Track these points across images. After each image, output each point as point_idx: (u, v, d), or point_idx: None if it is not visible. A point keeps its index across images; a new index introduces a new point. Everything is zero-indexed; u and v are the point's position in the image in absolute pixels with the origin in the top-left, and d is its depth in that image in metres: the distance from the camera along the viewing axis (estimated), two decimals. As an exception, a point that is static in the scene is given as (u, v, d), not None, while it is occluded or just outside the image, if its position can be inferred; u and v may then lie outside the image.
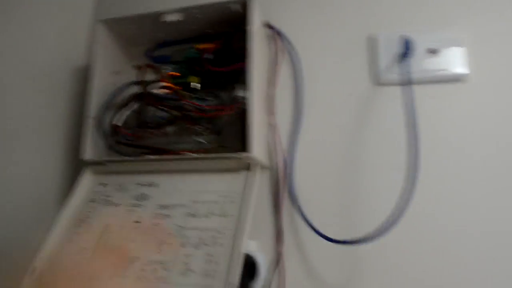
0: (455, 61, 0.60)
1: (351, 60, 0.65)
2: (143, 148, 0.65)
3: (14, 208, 0.65)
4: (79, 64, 0.78)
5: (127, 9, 0.82)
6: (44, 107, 0.72)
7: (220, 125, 0.66)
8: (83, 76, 0.80)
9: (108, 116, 0.67)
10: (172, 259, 0.52)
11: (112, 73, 0.70)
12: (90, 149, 0.64)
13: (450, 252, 0.55)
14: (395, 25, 0.64)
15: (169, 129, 0.67)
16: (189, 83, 0.69)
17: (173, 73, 0.69)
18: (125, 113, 0.67)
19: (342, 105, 0.64)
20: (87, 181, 0.64)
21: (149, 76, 0.68)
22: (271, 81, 0.66)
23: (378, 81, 0.63)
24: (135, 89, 0.68)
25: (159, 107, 0.66)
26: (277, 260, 0.59)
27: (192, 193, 0.58)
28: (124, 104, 0.67)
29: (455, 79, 0.60)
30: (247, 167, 0.58)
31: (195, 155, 0.60)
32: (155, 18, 0.65)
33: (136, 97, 0.68)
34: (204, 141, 0.65)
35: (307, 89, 0.66)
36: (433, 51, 0.61)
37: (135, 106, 0.68)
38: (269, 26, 0.67)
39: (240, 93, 0.60)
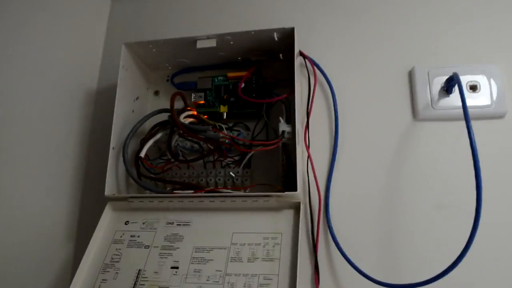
0: (495, 98, 0.60)
1: (389, 94, 0.64)
2: (173, 183, 0.60)
3: (22, 247, 0.58)
4: (92, 87, 0.73)
5: (139, 33, 0.78)
6: (55, 134, 0.66)
7: (249, 158, 0.63)
8: (97, 100, 0.75)
9: (131, 147, 0.62)
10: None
11: (134, 100, 0.65)
12: (112, 183, 0.59)
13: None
14: (435, 60, 0.63)
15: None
16: (215, 113, 0.65)
17: (200, 101, 0.66)
18: (149, 143, 0.62)
19: (380, 139, 0.62)
20: (108, 219, 0.59)
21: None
22: (306, 112, 0.64)
23: (417, 116, 0.61)
24: (159, 118, 0.64)
25: (191, 138, 0.61)
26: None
27: (231, 234, 0.54)
28: (152, 134, 0.62)
29: (495, 116, 0.60)
30: (290, 205, 0.55)
31: (241, 192, 0.55)
32: (189, 43, 0.61)
33: (162, 126, 0.63)
34: (234, 175, 0.61)
35: (342, 121, 0.64)
36: (473, 88, 0.60)
37: (158, 136, 0.63)
38: (303, 55, 0.65)
39: (282, 127, 0.57)
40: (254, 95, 0.63)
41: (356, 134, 0.63)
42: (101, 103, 0.74)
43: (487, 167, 0.57)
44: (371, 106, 0.64)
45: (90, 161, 0.71)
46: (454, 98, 0.60)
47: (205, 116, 0.64)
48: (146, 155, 0.62)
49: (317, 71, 0.65)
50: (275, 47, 0.63)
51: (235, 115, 0.66)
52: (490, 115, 0.60)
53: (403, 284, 0.48)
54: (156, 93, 0.72)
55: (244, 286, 0.49)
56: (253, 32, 0.60)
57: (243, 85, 0.64)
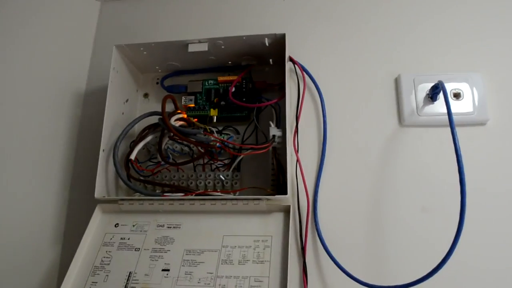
0: (477, 105, 0.62)
1: (376, 100, 0.65)
2: (163, 186, 0.60)
3: (9, 249, 0.57)
4: (81, 88, 0.72)
5: (129, 35, 0.78)
6: (44, 135, 0.65)
7: (239, 161, 0.63)
8: (86, 101, 0.74)
9: (121, 149, 0.62)
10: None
11: (124, 102, 0.65)
12: (101, 185, 0.59)
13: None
14: (420, 68, 0.65)
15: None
16: (206, 116, 0.66)
17: (190, 104, 0.66)
18: (139, 146, 0.62)
19: (367, 144, 0.63)
20: (98, 221, 0.58)
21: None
22: (295, 116, 0.65)
23: (403, 122, 0.63)
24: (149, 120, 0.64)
25: (182, 141, 0.61)
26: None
27: (222, 236, 0.54)
28: (142, 137, 0.62)
29: (477, 123, 0.62)
30: (280, 208, 0.56)
31: (231, 195, 0.56)
32: (180, 47, 0.62)
33: (152, 129, 0.63)
34: (224, 178, 0.62)
35: (330, 125, 0.65)
36: (456, 95, 0.62)
37: (148, 138, 0.63)
38: (293, 61, 0.66)
39: (273, 131, 0.57)
40: (244, 99, 0.64)
41: (344, 139, 0.64)
42: (90, 104, 0.74)
43: (469, 172, 0.59)
44: (358, 111, 0.65)
45: (79, 163, 0.70)
46: (438, 105, 0.62)
47: (195, 120, 0.64)
48: (136, 157, 0.62)
49: (306, 77, 0.67)
50: (266, 52, 0.64)
51: (225, 119, 0.66)
52: (473, 122, 0.62)
53: (389, 286, 0.49)
54: (146, 95, 0.72)
55: (235, 288, 0.49)
56: (244, 37, 0.60)
57: (233, 89, 0.64)
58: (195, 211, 0.57)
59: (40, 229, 0.64)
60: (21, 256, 0.60)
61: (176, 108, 0.65)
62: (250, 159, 0.64)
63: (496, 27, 0.66)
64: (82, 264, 0.54)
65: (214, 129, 0.63)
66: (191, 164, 0.64)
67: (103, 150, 0.60)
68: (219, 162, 0.63)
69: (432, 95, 0.62)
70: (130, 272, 0.52)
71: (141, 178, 0.61)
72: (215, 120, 0.66)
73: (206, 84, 0.67)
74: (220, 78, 0.66)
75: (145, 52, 0.65)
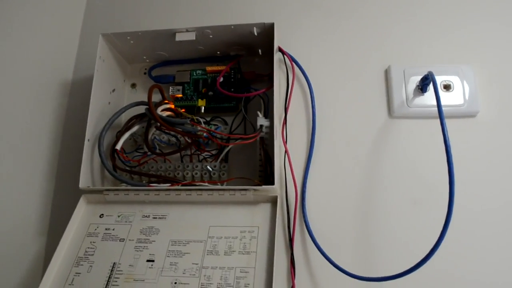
0: (467, 97, 0.61)
1: (366, 91, 0.65)
2: (149, 176, 0.59)
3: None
4: (67, 77, 0.71)
5: (116, 24, 0.77)
6: (28, 125, 0.64)
7: (227, 152, 0.62)
8: (73, 91, 0.73)
9: (107, 139, 0.61)
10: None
11: (110, 92, 0.64)
12: (86, 175, 0.58)
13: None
14: (410, 59, 0.65)
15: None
16: (193, 106, 0.65)
17: (178, 95, 0.65)
18: (125, 136, 0.61)
19: (356, 135, 0.63)
20: (83, 212, 0.57)
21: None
22: (284, 107, 0.64)
23: (393, 114, 0.63)
24: (136, 110, 0.63)
25: (169, 131, 0.60)
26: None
27: (208, 227, 0.54)
28: (128, 127, 0.61)
29: (468, 115, 0.62)
30: (267, 199, 0.55)
31: (218, 186, 0.55)
32: (167, 35, 0.61)
33: (139, 119, 0.62)
34: (211, 169, 0.61)
35: (319, 116, 0.64)
36: (447, 87, 0.62)
37: (135, 128, 0.62)
38: (282, 51, 0.65)
39: (260, 121, 0.57)
40: (232, 90, 0.63)
41: (333, 130, 0.64)
42: (76, 94, 0.72)
43: (459, 164, 0.59)
44: (348, 102, 0.65)
45: (64, 153, 0.69)
46: (428, 97, 0.62)
47: (183, 110, 0.63)
48: (122, 147, 0.61)
49: (296, 67, 0.66)
50: (255, 42, 0.63)
51: (213, 109, 0.65)
52: (463, 114, 0.62)
53: (377, 277, 0.49)
54: (133, 85, 0.71)
55: (221, 279, 0.49)
56: (232, 27, 0.59)
57: (221, 79, 0.64)
58: (181, 201, 0.56)
59: (24, 220, 0.62)
60: (5, 248, 0.59)
61: (164, 98, 0.64)
62: (238, 150, 0.63)
63: (487, 20, 0.66)
64: (66, 254, 0.53)
65: (201, 120, 0.63)
66: (178, 154, 0.63)
67: (88, 140, 0.58)
68: (206, 153, 0.62)
69: (422, 86, 0.61)
70: (114, 263, 0.51)
71: (127, 168, 0.61)
72: (203, 111, 0.65)
73: (194, 74, 0.66)
74: (209, 68, 0.65)
75: (132, 41, 0.64)
